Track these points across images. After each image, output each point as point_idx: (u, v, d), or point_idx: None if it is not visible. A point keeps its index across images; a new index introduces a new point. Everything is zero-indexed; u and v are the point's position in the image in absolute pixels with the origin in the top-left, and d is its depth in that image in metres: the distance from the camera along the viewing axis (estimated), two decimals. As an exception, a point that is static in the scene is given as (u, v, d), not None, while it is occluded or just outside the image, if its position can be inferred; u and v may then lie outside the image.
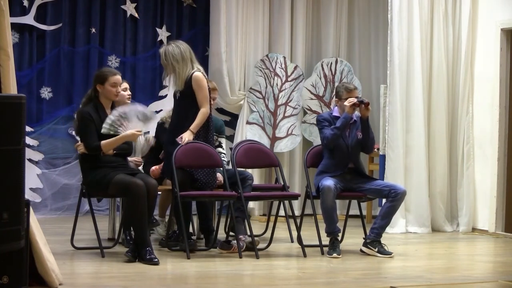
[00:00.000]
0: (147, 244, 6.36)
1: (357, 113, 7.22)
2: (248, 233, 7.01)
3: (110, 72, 6.72)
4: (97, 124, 6.54)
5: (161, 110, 9.81)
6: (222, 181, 7.24)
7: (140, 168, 7.47)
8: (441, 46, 8.96)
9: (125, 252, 6.48)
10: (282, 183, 7.49)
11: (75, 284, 5.51)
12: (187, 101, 7.00)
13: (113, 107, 6.73)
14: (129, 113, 6.57)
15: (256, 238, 7.01)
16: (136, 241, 6.43)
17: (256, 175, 9.77)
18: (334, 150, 7.14)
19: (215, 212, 7.75)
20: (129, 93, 7.47)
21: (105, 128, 6.49)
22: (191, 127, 6.96)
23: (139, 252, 6.36)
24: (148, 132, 7.38)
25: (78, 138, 6.93)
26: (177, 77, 7.02)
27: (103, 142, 6.50)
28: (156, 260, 6.29)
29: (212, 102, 7.53)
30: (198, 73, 7.00)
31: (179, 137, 6.92)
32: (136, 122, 6.58)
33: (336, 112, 7.25)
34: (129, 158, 7.01)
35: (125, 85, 7.44)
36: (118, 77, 6.71)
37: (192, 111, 6.99)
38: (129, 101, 7.43)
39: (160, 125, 7.77)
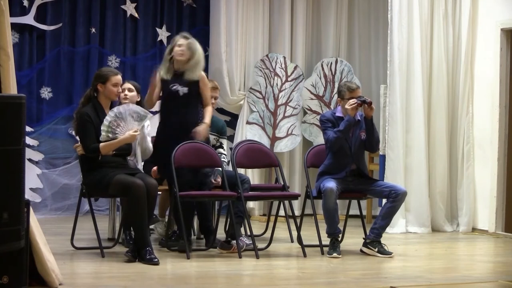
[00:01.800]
0: (147, 244, 6.35)
1: (360, 112, 7.19)
2: (248, 233, 7.02)
3: (112, 72, 6.72)
4: (95, 125, 6.53)
5: (161, 110, 9.81)
6: (220, 182, 7.25)
7: (140, 167, 7.47)
8: (441, 46, 8.96)
9: (125, 252, 6.48)
10: (282, 183, 7.48)
11: (75, 284, 5.51)
12: (197, 98, 7.06)
13: (112, 107, 6.72)
14: (124, 113, 6.56)
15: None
16: (136, 241, 6.43)
17: (256, 175, 9.78)
18: (337, 151, 7.11)
19: (215, 212, 7.74)
20: (134, 93, 7.42)
21: (103, 134, 6.47)
22: (206, 120, 7.01)
23: (139, 252, 6.36)
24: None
25: (77, 138, 6.93)
26: (194, 68, 7.03)
27: (101, 144, 6.49)
28: (156, 260, 6.29)
29: (213, 101, 7.54)
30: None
31: (194, 131, 6.94)
32: (132, 122, 6.58)
33: (339, 112, 7.21)
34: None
35: (128, 85, 7.43)
36: (120, 77, 6.73)
37: (198, 108, 7.07)
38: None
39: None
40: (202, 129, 6.97)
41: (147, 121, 6.92)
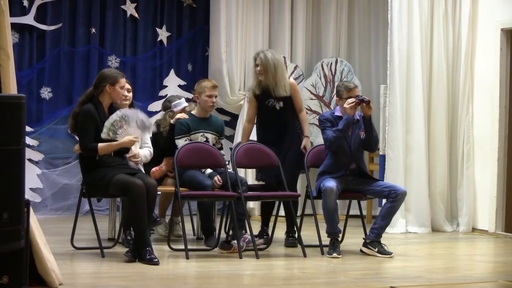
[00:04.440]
0: (147, 244, 6.35)
1: (359, 112, 7.20)
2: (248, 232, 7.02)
3: (119, 74, 6.72)
4: (96, 124, 6.51)
5: (161, 110, 9.80)
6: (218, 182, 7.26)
7: (141, 167, 7.46)
8: (441, 46, 8.96)
9: (125, 252, 6.47)
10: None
11: (75, 284, 5.51)
12: (293, 108, 7.45)
13: (111, 107, 6.70)
14: (131, 117, 6.55)
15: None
16: (136, 241, 6.43)
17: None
18: (336, 150, 7.12)
19: (215, 213, 7.73)
20: (127, 94, 7.41)
21: (104, 131, 6.45)
22: (306, 133, 7.45)
23: (139, 252, 6.36)
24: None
25: (77, 138, 6.91)
26: (280, 83, 7.34)
27: (100, 145, 6.47)
28: (156, 260, 6.28)
29: (214, 100, 7.52)
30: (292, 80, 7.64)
31: (302, 147, 7.38)
32: (135, 128, 6.56)
33: (338, 112, 7.22)
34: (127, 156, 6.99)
35: (127, 85, 7.42)
36: (125, 81, 6.76)
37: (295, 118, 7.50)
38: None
39: (157, 127, 7.76)
40: (306, 143, 7.41)
41: (150, 131, 6.95)
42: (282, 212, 7.46)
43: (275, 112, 7.42)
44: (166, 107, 7.93)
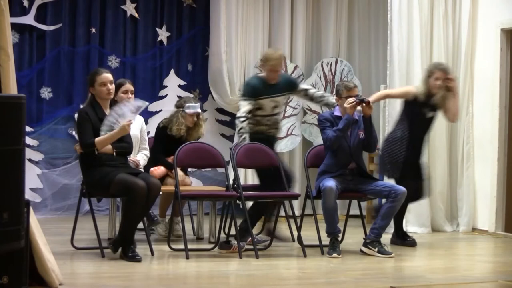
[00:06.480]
0: (132, 243, 6.46)
1: (357, 113, 7.20)
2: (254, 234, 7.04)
3: (97, 73, 6.67)
4: (94, 122, 6.52)
5: (161, 110, 9.81)
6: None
7: (141, 168, 7.47)
8: (441, 46, 8.96)
9: (108, 242, 6.56)
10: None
11: (75, 284, 5.51)
12: None
13: (111, 106, 6.68)
14: (126, 112, 6.54)
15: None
16: (122, 238, 6.47)
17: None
18: (336, 150, 7.13)
19: (215, 212, 7.73)
20: (130, 96, 7.40)
21: (103, 130, 6.46)
22: None
23: (122, 249, 6.45)
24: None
25: (77, 138, 6.93)
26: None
27: (97, 138, 6.47)
28: (138, 257, 6.35)
29: (276, 77, 7.34)
30: None
31: None
32: (131, 116, 6.54)
33: (337, 112, 7.23)
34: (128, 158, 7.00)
35: (131, 87, 7.41)
36: (105, 75, 6.62)
37: None
38: None
39: (162, 129, 7.75)
40: None
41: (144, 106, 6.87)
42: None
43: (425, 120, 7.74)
44: (180, 105, 7.84)
